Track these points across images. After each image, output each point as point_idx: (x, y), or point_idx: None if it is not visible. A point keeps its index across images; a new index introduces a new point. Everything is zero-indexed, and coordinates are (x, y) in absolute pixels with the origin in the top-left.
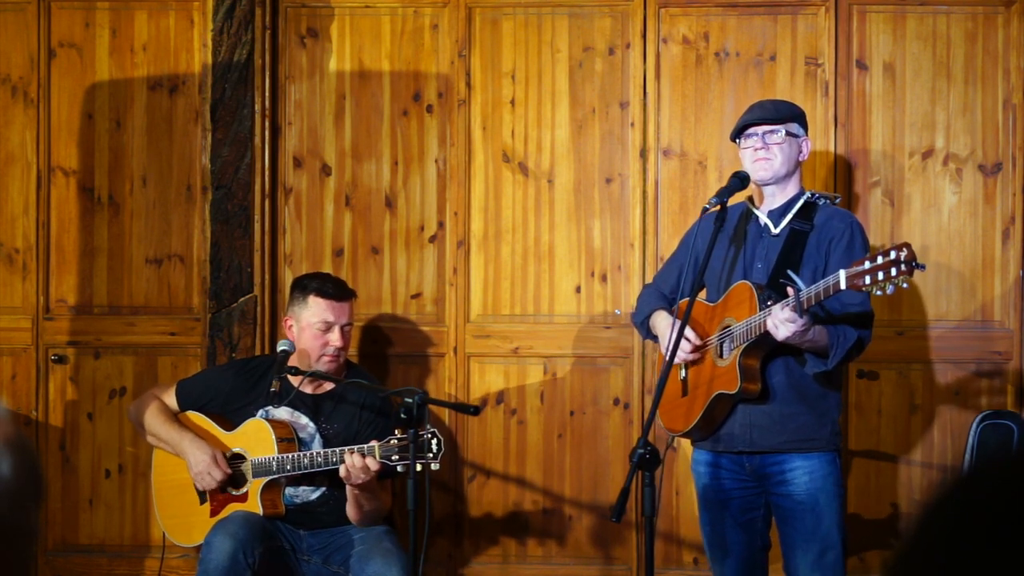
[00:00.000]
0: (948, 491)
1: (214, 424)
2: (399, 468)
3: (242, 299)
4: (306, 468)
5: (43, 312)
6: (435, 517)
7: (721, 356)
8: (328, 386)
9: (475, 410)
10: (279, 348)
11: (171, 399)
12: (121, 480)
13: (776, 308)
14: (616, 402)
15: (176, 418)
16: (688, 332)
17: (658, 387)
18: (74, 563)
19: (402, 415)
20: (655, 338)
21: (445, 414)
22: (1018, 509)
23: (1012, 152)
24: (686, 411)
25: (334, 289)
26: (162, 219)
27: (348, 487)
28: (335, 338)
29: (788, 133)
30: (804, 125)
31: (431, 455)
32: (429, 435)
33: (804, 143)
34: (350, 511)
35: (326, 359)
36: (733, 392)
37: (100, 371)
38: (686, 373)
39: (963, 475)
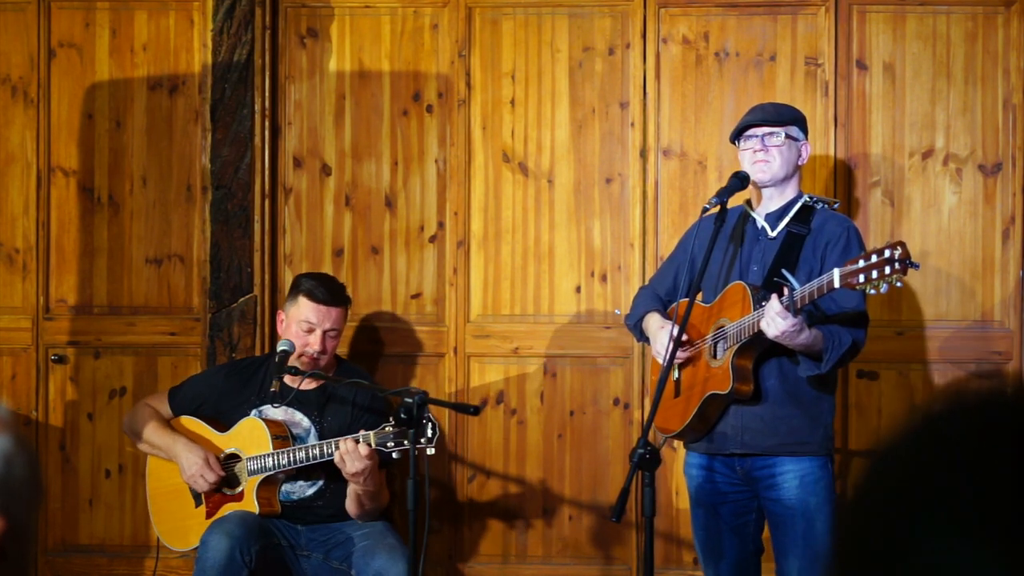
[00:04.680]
0: (914, 428)
1: (208, 427)
2: (395, 455)
3: (242, 299)
4: (301, 462)
5: (43, 312)
6: (435, 517)
7: (715, 357)
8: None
9: (475, 410)
10: (279, 348)
11: (164, 406)
12: (121, 480)
13: (769, 304)
14: (616, 402)
15: (168, 424)
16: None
17: (657, 388)
18: (74, 563)
19: (402, 415)
20: (648, 340)
21: (445, 414)
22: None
23: (1012, 152)
24: (680, 411)
25: (323, 293)
26: (162, 219)
27: (349, 483)
28: (314, 341)
29: (788, 136)
30: (804, 129)
31: (424, 440)
32: (425, 420)
33: (804, 147)
34: (350, 506)
35: (304, 359)
36: (725, 392)
37: (100, 371)
38: (680, 374)
39: (929, 413)
